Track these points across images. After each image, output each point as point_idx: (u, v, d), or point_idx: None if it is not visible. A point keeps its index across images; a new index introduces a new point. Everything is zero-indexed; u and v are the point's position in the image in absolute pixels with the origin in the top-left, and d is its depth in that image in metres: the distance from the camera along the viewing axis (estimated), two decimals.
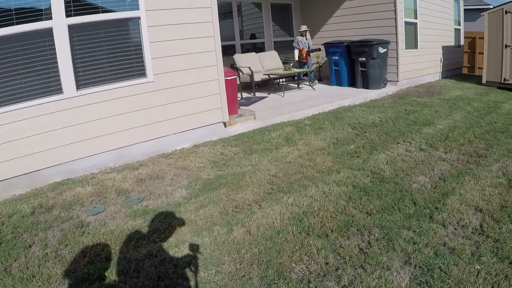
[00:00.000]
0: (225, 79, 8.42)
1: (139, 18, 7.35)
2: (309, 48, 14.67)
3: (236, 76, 9.27)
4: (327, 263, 3.88)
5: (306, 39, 14.67)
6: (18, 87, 6.57)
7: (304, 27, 14.60)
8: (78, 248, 4.66)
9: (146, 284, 3.75)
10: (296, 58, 15.35)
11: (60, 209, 5.77)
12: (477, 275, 3.58)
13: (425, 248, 4.02)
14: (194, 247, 4.30)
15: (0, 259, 4.79)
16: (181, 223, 4.91)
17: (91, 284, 3.88)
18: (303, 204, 5.10)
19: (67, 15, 6.67)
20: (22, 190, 6.68)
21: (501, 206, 4.87)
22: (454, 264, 3.75)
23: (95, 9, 6.98)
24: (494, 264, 3.74)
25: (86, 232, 5.01)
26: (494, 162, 6.40)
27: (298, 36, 14.72)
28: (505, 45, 13.60)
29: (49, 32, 6.60)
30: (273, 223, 4.68)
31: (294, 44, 14.96)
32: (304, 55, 14.42)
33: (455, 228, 4.42)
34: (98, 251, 4.52)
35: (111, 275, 3.98)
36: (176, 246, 4.36)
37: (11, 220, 5.79)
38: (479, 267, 3.69)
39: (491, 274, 3.59)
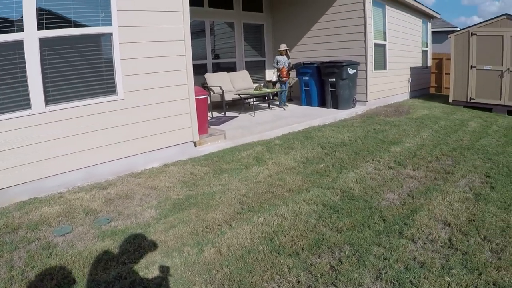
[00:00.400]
0: (196, 98, 8.39)
1: (111, 34, 7.26)
2: (289, 66, 14.60)
3: (207, 96, 9.26)
4: (298, 281, 3.88)
5: (288, 58, 14.68)
6: None
7: (283, 46, 14.59)
8: (45, 270, 4.56)
9: None
10: (273, 78, 15.47)
11: (27, 229, 5.65)
12: (448, 287, 3.63)
13: (395, 263, 4.06)
14: (164, 269, 4.25)
15: None
16: (151, 244, 4.85)
17: None
18: (273, 224, 5.09)
19: (39, 28, 6.57)
20: None
21: (469, 220, 4.98)
22: (424, 278, 3.80)
23: (68, 23, 6.90)
24: (464, 276, 3.80)
25: (54, 254, 4.91)
26: (461, 178, 6.52)
27: (278, 56, 14.65)
28: (471, 65, 14.01)
29: (19, 44, 6.49)
30: (244, 242, 4.66)
31: (274, 64, 14.83)
32: (285, 73, 14.31)
33: (425, 243, 4.48)
34: (66, 273, 4.42)
35: None
36: (146, 267, 4.30)
37: None
38: (449, 279, 3.75)
39: (461, 285, 3.66)
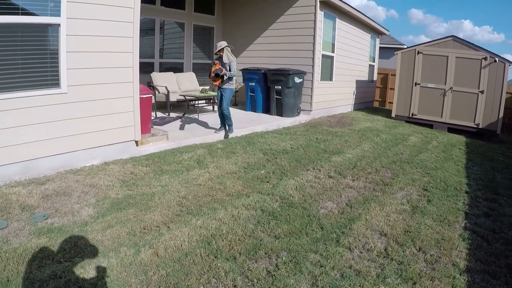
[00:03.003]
0: (140, 97, 8.30)
1: (59, 25, 7.06)
2: (220, 70, 10.26)
3: (151, 95, 9.17)
4: (235, 286, 3.90)
5: (228, 60, 10.49)
6: None
7: (222, 44, 10.54)
8: None
9: None
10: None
11: None
12: None
13: (331, 270, 4.13)
14: (100, 269, 4.19)
15: None
16: (87, 243, 4.77)
17: None
18: (211, 227, 5.10)
19: None
20: None
21: (405, 231, 5.12)
22: (360, 286, 3.90)
23: (15, 10, 6.73)
24: (398, 285, 3.92)
25: None
26: (399, 190, 6.69)
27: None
28: (415, 82, 14.47)
29: None
30: (181, 245, 4.65)
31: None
32: (211, 75, 10.34)
33: (361, 252, 4.58)
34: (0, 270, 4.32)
35: None
36: (82, 267, 4.23)
37: None
38: None
39: None
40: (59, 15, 7.05)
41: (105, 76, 7.68)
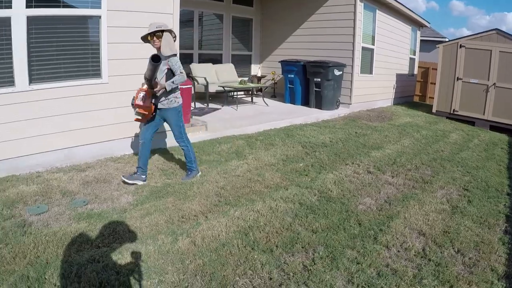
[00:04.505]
0: (180, 87, 8.35)
1: (99, 17, 7.22)
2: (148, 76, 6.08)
3: (191, 86, 9.22)
4: (271, 278, 3.89)
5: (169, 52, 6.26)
6: None
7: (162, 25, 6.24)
8: (18, 248, 4.52)
9: None
10: (258, 73, 15.35)
11: (2, 206, 5.60)
12: None
13: (368, 268, 4.08)
14: (137, 255, 4.23)
15: None
16: (126, 229, 4.83)
17: (30, 286, 3.77)
18: (249, 218, 5.10)
19: (28, 6, 6.52)
20: None
21: (444, 232, 5.01)
22: (396, 285, 3.83)
23: (57, 2, 6.85)
24: (435, 287, 3.83)
25: (28, 232, 4.87)
26: (439, 189, 6.57)
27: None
28: (457, 77, 14.04)
29: (6, 21, 6.44)
30: (219, 235, 4.66)
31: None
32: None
33: (398, 251, 4.51)
34: (40, 252, 4.39)
35: (52, 278, 3.87)
36: (119, 252, 4.29)
37: None
38: None
39: None
40: (99, 7, 7.20)
41: (145, 66, 7.71)
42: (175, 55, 6.30)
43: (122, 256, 4.22)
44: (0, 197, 5.82)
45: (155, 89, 6.09)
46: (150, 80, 5.89)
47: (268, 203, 5.60)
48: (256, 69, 16.92)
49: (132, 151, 7.90)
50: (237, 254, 4.29)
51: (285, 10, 15.96)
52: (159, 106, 6.34)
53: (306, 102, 14.11)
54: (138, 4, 7.58)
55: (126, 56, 7.54)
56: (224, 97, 13.62)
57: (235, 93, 13.90)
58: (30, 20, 6.60)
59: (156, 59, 5.59)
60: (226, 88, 12.75)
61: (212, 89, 12.93)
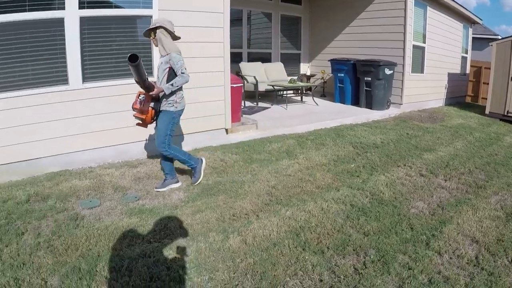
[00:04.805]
0: (231, 86, 8.40)
1: (151, 16, 7.35)
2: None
3: (242, 84, 9.24)
4: (321, 280, 3.85)
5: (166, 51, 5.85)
6: (25, 74, 6.58)
7: (158, 21, 5.91)
8: (71, 241, 4.63)
9: (138, 284, 3.72)
10: (307, 72, 15.23)
11: (56, 199, 5.74)
12: None
13: (419, 274, 3.99)
14: (188, 252, 4.26)
15: None
16: (177, 225, 4.87)
17: (81, 278, 3.84)
18: (300, 219, 5.06)
19: (80, 7, 6.69)
20: (18, 177, 6.65)
21: (498, 240, 4.83)
22: None
23: (108, 3, 6.99)
24: None
25: (81, 225, 4.98)
26: (493, 195, 6.37)
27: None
28: (511, 77, 13.49)
29: (60, 22, 6.60)
30: (270, 234, 4.64)
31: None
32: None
33: (451, 257, 4.39)
34: (91, 245, 4.48)
35: (103, 271, 3.94)
36: (170, 248, 4.33)
37: (5, 205, 5.75)
38: None
39: None
40: (151, 7, 7.36)
41: (197, 65, 7.82)
42: (178, 52, 5.81)
43: (173, 252, 4.27)
44: (54, 191, 5.95)
45: (150, 93, 5.53)
46: (140, 82, 5.39)
47: (319, 203, 5.54)
48: (305, 68, 16.85)
49: (184, 148, 7.90)
50: (288, 254, 4.26)
51: (333, 8, 15.82)
52: (161, 107, 5.85)
53: (356, 102, 13.94)
54: (189, 4, 7.67)
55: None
56: (273, 96, 13.61)
57: (285, 92, 13.85)
58: (83, 20, 6.77)
59: (132, 59, 5.02)
60: (275, 87, 12.73)
61: (262, 88, 12.92)
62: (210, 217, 5.08)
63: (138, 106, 5.59)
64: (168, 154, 5.96)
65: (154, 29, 5.76)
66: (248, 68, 13.57)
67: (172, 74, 5.73)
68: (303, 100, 14.21)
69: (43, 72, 6.72)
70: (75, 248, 4.46)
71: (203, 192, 5.89)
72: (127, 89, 7.11)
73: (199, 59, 7.87)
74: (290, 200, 5.68)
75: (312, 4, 16.85)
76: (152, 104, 5.68)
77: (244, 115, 10.17)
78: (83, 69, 6.91)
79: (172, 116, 5.82)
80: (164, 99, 5.77)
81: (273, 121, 10.23)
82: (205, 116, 8.16)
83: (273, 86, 12.74)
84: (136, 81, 5.39)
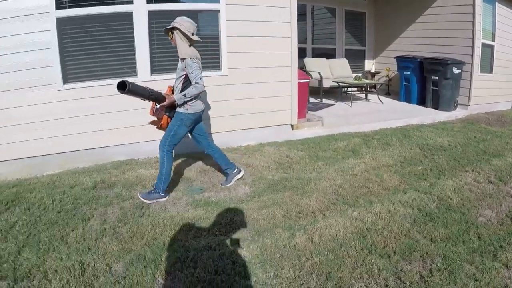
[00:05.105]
0: (297, 82, 8.33)
1: (218, 11, 7.42)
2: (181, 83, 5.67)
3: (308, 80, 9.18)
4: (386, 286, 3.77)
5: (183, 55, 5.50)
6: (95, 65, 6.79)
7: (177, 21, 5.47)
8: (136, 229, 4.72)
9: (202, 276, 3.74)
10: (372, 69, 14.97)
11: (122, 187, 5.86)
12: None
13: (486, 287, 3.84)
14: (254, 246, 4.25)
15: (58, 226, 4.89)
16: (243, 220, 4.88)
17: (146, 266, 3.93)
18: (367, 220, 4.97)
19: (148, 1, 6.83)
20: (85, 164, 6.83)
21: None
22: None
23: None
24: None
25: (146, 214, 5.07)
26: None
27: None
28: None
29: (129, 16, 6.72)
30: (336, 235, 4.58)
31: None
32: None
33: None
34: (157, 235, 4.57)
35: (168, 261, 4.01)
36: (236, 242, 4.35)
37: (73, 191, 5.89)
38: None
39: None
40: (218, 1, 7.40)
41: (264, 60, 7.84)
42: (194, 58, 5.41)
43: (238, 246, 4.28)
44: (120, 179, 6.07)
45: (161, 104, 5.48)
46: (146, 99, 5.33)
47: (386, 206, 5.42)
48: (369, 65, 16.58)
49: (249, 143, 8.01)
50: (354, 256, 4.19)
51: (399, 3, 15.33)
52: (178, 109, 5.60)
53: (421, 101, 13.57)
54: None
55: (244, 49, 7.68)
56: (337, 92, 13.46)
57: (349, 89, 13.68)
58: (151, 14, 6.88)
59: (120, 87, 4.92)
60: (340, 84, 12.59)
61: (326, 84, 12.81)
62: (276, 213, 5.05)
63: (152, 113, 5.63)
64: (160, 157, 5.67)
65: (172, 29, 5.42)
66: (313, 64, 13.47)
67: (187, 81, 5.46)
68: (368, 97, 13.99)
69: (112, 64, 6.94)
70: (141, 237, 4.54)
71: (269, 188, 5.88)
72: None
73: (266, 53, 7.87)
74: (357, 201, 5.59)
75: None
76: (168, 113, 5.61)
77: (309, 112, 10.09)
78: (151, 62, 7.07)
79: (180, 118, 5.56)
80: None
81: (338, 119, 10.11)
82: (270, 111, 8.14)
83: (338, 82, 12.61)
84: (142, 100, 5.33)
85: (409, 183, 6.41)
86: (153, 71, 7.10)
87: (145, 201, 5.49)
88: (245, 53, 7.68)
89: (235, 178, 6.14)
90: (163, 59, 7.22)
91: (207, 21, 7.64)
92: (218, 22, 7.48)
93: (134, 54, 6.99)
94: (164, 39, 7.03)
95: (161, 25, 6.95)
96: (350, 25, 16.30)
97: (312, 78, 12.69)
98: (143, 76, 6.99)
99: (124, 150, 7.06)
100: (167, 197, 5.63)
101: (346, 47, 16.17)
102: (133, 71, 7.03)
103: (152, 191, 5.59)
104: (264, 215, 4.99)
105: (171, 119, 5.61)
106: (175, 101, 5.38)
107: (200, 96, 5.64)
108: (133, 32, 6.91)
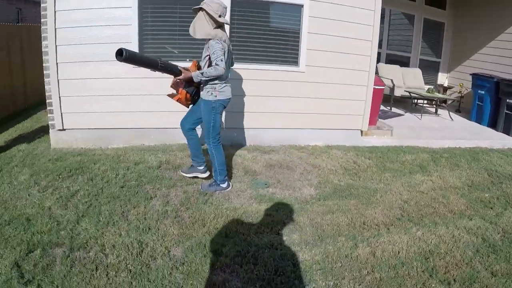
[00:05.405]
0: (373, 87, 8.20)
1: (302, 6, 7.36)
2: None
3: (384, 87, 9.01)
4: None
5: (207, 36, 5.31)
6: (172, 47, 7.14)
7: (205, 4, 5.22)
8: (198, 216, 4.76)
9: (262, 274, 3.73)
10: (445, 83, 14.58)
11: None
12: None
13: None
14: (316, 251, 4.20)
15: (120, 201, 4.99)
16: (306, 222, 4.84)
17: (206, 256, 3.94)
18: (431, 242, 4.83)
19: None
20: (151, 142, 6.88)
21: None
22: None
23: None
24: None
25: (209, 202, 5.10)
26: None
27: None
28: None
29: None
30: (399, 252, 4.47)
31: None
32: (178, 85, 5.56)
33: None
34: (219, 225, 4.58)
35: (228, 253, 4.00)
36: (298, 244, 4.31)
37: (137, 168, 5.99)
38: None
39: None
40: None
41: (342, 61, 7.74)
42: (218, 40, 5.17)
43: (300, 249, 4.23)
44: (185, 162, 6.23)
45: (177, 77, 5.31)
46: (157, 70, 5.19)
47: (451, 230, 5.25)
48: (442, 78, 16.17)
49: (317, 143, 7.93)
50: (415, 277, 4.09)
51: (480, 18, 14.74)
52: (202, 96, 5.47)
53: (493, 124, 13.08)
54: None
55: (324, 48, 7.60)
56: (407, 103, 13.20)
57: (419, 100, 13.39)
58: (234, 2, 6.96)
59: (118, 53, 4.73)
60: (412, 94, 12.33)
61: (398, 93, 12.57)
62: (340, 220, 4.98)
63: (172, 86, 5.49)
64: (209, 150, 5.58)
65: (200, 9, 5.23)
66: (386, 70, 13.25)
67: (211, 63, 5.26)
68: (437, 112, 13.66)
69: (188, 47, 7.17)
70: (202, 224, 4.57)
71: (335, 193, 5.80)
72: (270, 75, 7.26)
73: (344, 55, 7.76)
74: (422, 220, 5.44)
75: (458, 10, 15.91)
76: (186, 88, 5.41)
77: (379, 120, 9.92)
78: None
79: (212, 106, 5.37)
80: (205, 87, 5.38)
81: (407, 130, 9.89)
82: (342, 114, 8.04)
83: (410, 92, 12.35)
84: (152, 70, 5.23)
85: (475, 209, 6.21)
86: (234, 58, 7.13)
87: (208, 191, 5.50)
88: (324, 51, 7.60)
89: (195, 173, 5.86)
90: (242, 48, 7.21)
91: (289, 14, 7.55)
92: (300, 17, 7.41)
93: None
94: (245, 28, 7.05)
95: (243, 14, 6.97)
96: (427, 35, 15.90)
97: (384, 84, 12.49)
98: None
99: None
100: (229, 187, 5.65)
101: (420, 57, 15.80)
102: None
103: (213, 184, 5.61)
104: (328, 220, 4.93)
105: (190, 95, 5.45)
106: (192, 77, 5.23)
107: (229, 83, 5.54)
108: None
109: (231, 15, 6.95)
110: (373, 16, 7.85)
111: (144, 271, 3.71)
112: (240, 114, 7.37)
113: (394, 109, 12.65)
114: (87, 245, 4.09)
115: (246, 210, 4.92)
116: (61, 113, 7.00)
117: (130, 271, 3.69)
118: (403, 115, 12.11)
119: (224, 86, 5.40)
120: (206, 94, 5.34)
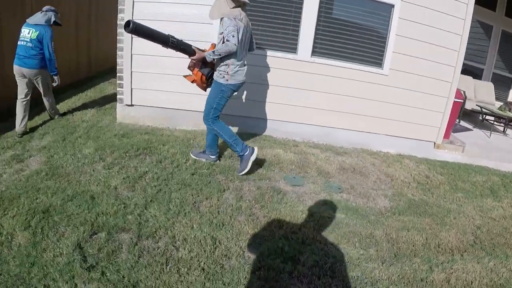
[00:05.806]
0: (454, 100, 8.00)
1: (393, 6, 7.18)
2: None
3: (463, 100, 8.77)
4: None
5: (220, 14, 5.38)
6: (261, 36, 6.96)
7: None
8: (274, 215, 4.67)
9: None
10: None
11: (259, 164, 5.82)
12: None
13: None
14: (393, 271, 4.09)
15: (191, 190, 4.89)
16: (383, 237, 4.72)
17: (283, 262, 3.83)
18: (502, 275, 4.65)
19: None
20: None
21: None
22: None
23: None
24: None
25: (284, 202, 5.01)
26: None
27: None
28: None
29: None
30: (472, 282, 4.33)
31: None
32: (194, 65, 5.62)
33: None
34: (295, 228, 4.48)
35: (305, 262, 3.89)
36: (375, 260, 4.21)
37: None
38: None
39: None
40: None
41: (425, 69, 7.56)
42: (230, 17, 5.10)
43: (378, 266, 4.12)
44: (258, 155, 5.92)
45: (191, 57, 5.33)
46: (168, 47, 5.13)
47: None
48: None
49: (388, 150, 7.82)
50: None
51: None
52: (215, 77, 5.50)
53: None
54: (435, 2, 7.32)
55: (410, 53, 7.42)
56: (475, 117, 12.86)
57: (489, 117, 13.02)
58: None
59: (126, 25, 4.67)
60: (483, 110, 12.00)
61: (469, 106, 12.23)
62: (416, 239, 4.84)
63: (188, 67, 5.53)
64: (211, 128, 5.63)
65: None
66: (459, 81, 12.90)
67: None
68: (506, 131, 13.26)
69: (275, 37, 7.07)
70: (279, 226, 4.48)
71: (410, 208, 5.64)
72: (350, 73, 7.15)
73: (429, 62, 7.55)
74: (494, 250, 5.25)
75: None
76: (201, 69, 5.46)
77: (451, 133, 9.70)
78: (314, 43, 7.08)
79: (221, 89, 5.41)
80: (217, 69, 5.41)
81: (477, 148, 9.58)
82: (417, 123, 7.85)
83: (481, 107, 12.01)
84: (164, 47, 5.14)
85: None
86: (314, 52, 7.05)
87: (245, 170, 5.53)
88: (409, 56, 7.42)
89: (202, 158, 5.97)
90: (327, 42, 7.12)
91: (378, 13, 7.35)
92: (389, 18, 7.25)
93: (298, 31, 7.00)
94: (331, 22, 6.96)
95: (330, 8, 6.89)
96: (504, 48, 15.39)
97: None
98: (303, 56, 7.00)
99: (264, 124, 7.13)
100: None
101: (494, 71, 15.33)
102: (293, 49, 7.00)
103: (242, 162, 5.58)
104: (404, 238, 4.80)
105: (205, 76, 5.48)
106: (205, 57, 5.25)
107: (244, 68, 5.53)
108: (301, 8, 6.91)
109: (319, 7, 6.90)
110: (463, 25, 7.59)
111: (218, 271, 3.61)
112: (313, 110, 7.30)
113: (462, 122, 12.33)
114: (156, 234, 4.02)
115: (322, 217, 4.82)
116: (131, 88, 7.09)
117: (203, 270, 3.60)
118: (471, 130, 11.79)
119: (237, 71, 5.40)
120: (218, 75, 5.40)
